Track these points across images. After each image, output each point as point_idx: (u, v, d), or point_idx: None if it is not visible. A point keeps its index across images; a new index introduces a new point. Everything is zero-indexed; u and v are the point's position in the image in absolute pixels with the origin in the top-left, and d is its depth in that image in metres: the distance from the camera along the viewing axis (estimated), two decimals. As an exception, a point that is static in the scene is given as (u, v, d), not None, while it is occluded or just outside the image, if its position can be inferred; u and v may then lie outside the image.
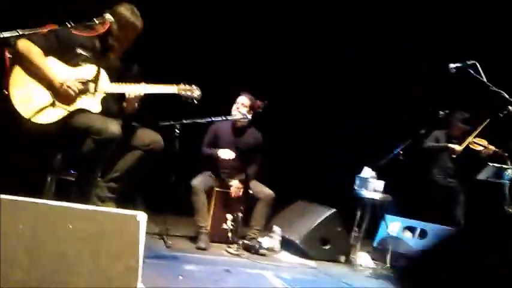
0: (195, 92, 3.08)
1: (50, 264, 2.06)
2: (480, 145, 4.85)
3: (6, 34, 2.41)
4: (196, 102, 3.10)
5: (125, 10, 2.98)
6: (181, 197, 3.91)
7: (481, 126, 4.69)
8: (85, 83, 2.87)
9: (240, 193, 4.20)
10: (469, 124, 4.92)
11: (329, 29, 6.02)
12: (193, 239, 4.08)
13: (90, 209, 2.23)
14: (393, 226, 4.56)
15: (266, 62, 5.75)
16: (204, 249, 3.87)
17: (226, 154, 4.21)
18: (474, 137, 4.83)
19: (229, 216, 4.17)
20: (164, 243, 3.75)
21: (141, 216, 2.31)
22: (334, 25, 5.99)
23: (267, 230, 4.43)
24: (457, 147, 4.94)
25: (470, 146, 4.87)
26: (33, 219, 2.12)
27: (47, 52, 2.81)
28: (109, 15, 2.85)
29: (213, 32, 5.49)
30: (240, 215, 4.02)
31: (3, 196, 2.16)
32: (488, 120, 4.53)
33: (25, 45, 2.74)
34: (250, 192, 4.23)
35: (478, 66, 3.32)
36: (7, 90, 2.71)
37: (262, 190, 4.25)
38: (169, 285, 2.75)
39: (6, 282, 2.00)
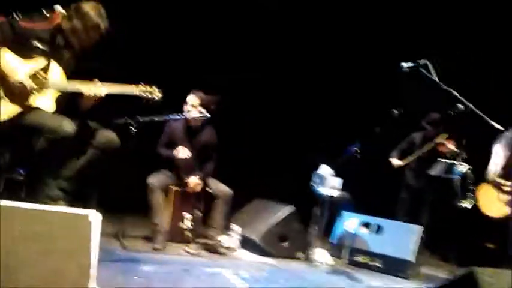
0: (155, 93, 2.99)
1: (2, 262, 1.98)
2: (446, 146, 4.99)
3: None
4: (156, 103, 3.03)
5: (90, 9, 2.86)
6: (137, 196, 3.83)
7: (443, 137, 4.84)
8: (37, 78, 2.76)
9: (199, 188, 4.16)
10: (438, 125, 5.07)
11: (284, 26, 6.06)
12: (151, 239, 4.00)
13: (39, 209, 2.15)
14: (350, 222, 4.63)
15: (224, 57, 5.74)
16: (160, 249, 3.81)
17: (182, 153, 4.15)
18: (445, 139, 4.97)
19: (187, 215, 4.12)
20: (120, 244, 3.66)
21: (94, 216, 2.26)
22: (290, 21, 6.03)
23: (225, 228, 4.40)
24: (396, 163, 5.25)
25: (439, 148, 5.02)
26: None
27: (1, 44, 2.68)
28: (59, 6, 2.75)
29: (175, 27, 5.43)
30: (199, 214, 3.97)
31: None
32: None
33: None
34: (209, 190, 4.19)
35: (430, 65, 3.40)
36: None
37: (219, 188, 4.23)
38: (126, 286, 2.68)
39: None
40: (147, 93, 2.95)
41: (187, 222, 4.10)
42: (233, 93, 5.38)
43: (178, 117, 4.03)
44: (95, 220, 2.23)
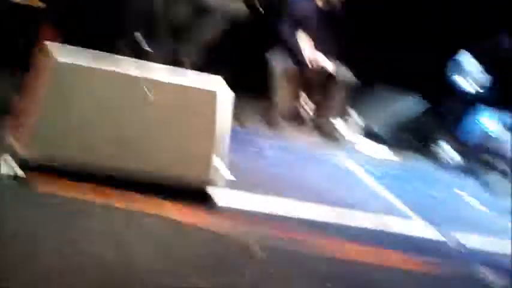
0: None
1: (130, 131, 2.08)
2: None
3: None
4: None
5: None
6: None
7: None
8: None
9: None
10: None
11: None
12: (268, 118, 3.87)
13: (171, 82, 2.16)
14: (485, 119, 4.10)
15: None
16: (275, 129, 3.70)
17: None
18: None
19: (305, 97, 3.90)
20: (239, 124, 3.57)
21: (223, 93, 2.16)
22: None
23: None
24: None
25: None
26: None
27: None
28: None
29: None
30: (320, 99, 3.73)
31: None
32: None
33: None
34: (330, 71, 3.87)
35: None
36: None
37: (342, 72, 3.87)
38: (246, 163, 2.65)
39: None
40: None
41: (305, 104, 3.88)
42: None
43: None
44: (223, 97, 2.13)
